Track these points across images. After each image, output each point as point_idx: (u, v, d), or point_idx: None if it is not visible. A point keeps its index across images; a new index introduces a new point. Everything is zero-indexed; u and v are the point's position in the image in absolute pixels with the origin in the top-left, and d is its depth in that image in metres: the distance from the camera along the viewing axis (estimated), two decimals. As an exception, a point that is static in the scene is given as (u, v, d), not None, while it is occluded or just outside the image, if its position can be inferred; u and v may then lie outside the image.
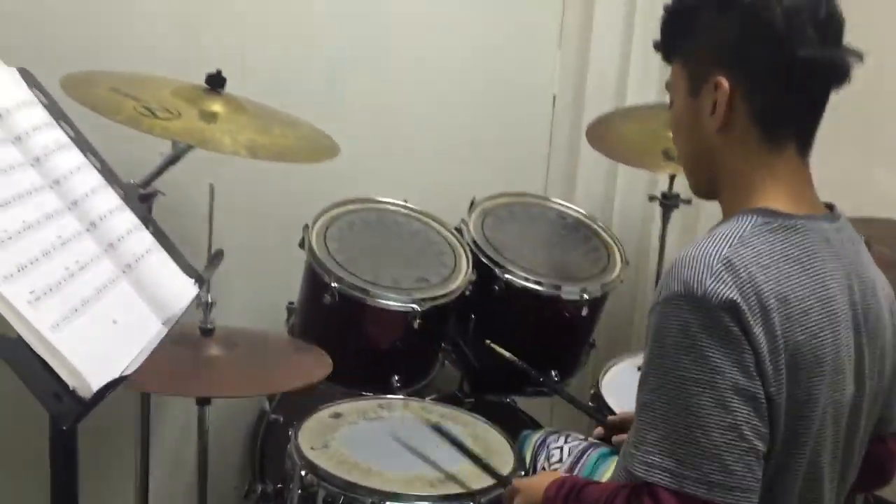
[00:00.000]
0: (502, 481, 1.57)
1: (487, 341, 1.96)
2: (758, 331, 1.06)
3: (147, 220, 1.15)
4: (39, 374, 0.81)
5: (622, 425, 1.66)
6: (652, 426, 1.09)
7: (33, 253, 0.89)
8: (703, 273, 1.07)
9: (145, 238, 1.10)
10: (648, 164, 2.32)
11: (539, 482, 1.33)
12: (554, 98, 2.77)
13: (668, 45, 1.26)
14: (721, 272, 1.07)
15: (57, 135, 1.07)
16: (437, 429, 1.69)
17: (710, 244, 1.11)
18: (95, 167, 1.11)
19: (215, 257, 1.39)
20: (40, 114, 1.07)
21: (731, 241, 1.10)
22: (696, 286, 1.06)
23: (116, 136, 1.59)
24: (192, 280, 1.17)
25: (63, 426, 0.82)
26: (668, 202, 2.38)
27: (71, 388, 0.82)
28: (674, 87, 1.27)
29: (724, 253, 1.09)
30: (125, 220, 1.09)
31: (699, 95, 1.20)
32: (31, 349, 0.81)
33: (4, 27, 1.94)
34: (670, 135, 2.17)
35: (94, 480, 2.08)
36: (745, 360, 1.06)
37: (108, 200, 1.08)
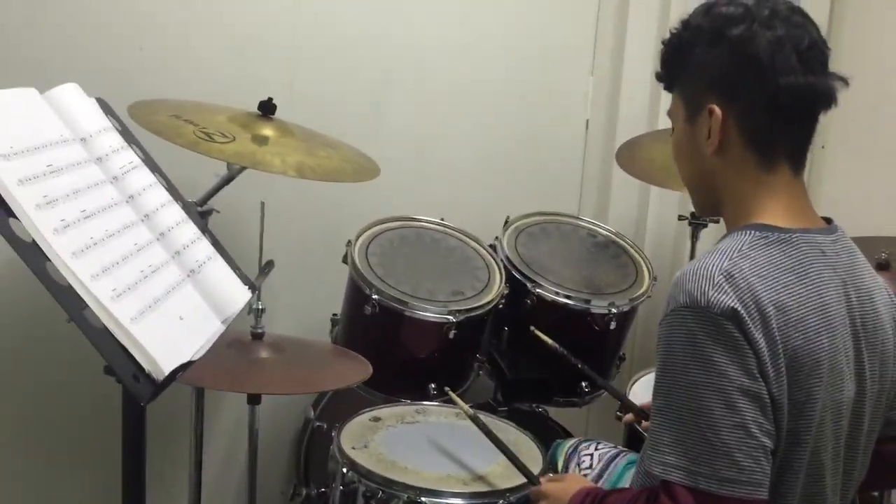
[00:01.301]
0: (530, 478, 1.65)
1: (532, 328, 2.04)
2: (758, 336, 1.15)
3: (205, 232, 1.30)
4: (121, 359, 0.94)
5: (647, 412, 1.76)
6: (666, 429, 1.18)
7: (114, 257, 1.03)
8: (705, 285, 1.16)
9: (206, 247, 1.24)
10: (677, 185, 2.40)
11: (565, 490, 1.42)
12: (587, 123, 2.88)
13: (668, 76, 1.36)
14: (722, 283, 1.16)
15: (131, 156, 1.21)
16: (474, 419, 1.76)
17: (710, 259, 1.20)
18: (163, 185, 1.25)
19: (266, 266, 1.52)
20: (116, 138, 1.22)
21: (730, 255, 1.20)
22: (699, 297, 1.15)
23: (175, 158, 1.73)
24: (246, 286, 1.31)
25: (141, 403, 0.96)
26: (697, 221, 2.47)
27: (147, 371, 0.95)
28: (673, 114, 1.37)
29: (724, 266, 1.18)
30: (189, 231, 1.23)
31: (696, 122, 1.30)
32: (113, 337, 0.95)
33: (78, 61, 2.11)
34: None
35: (153, 470, 2.22)
36: (749, 363, 1.14)
37: (174, 214, 1.22)
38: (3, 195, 0.93)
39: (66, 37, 2.11)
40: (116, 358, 0.94)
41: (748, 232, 1.24)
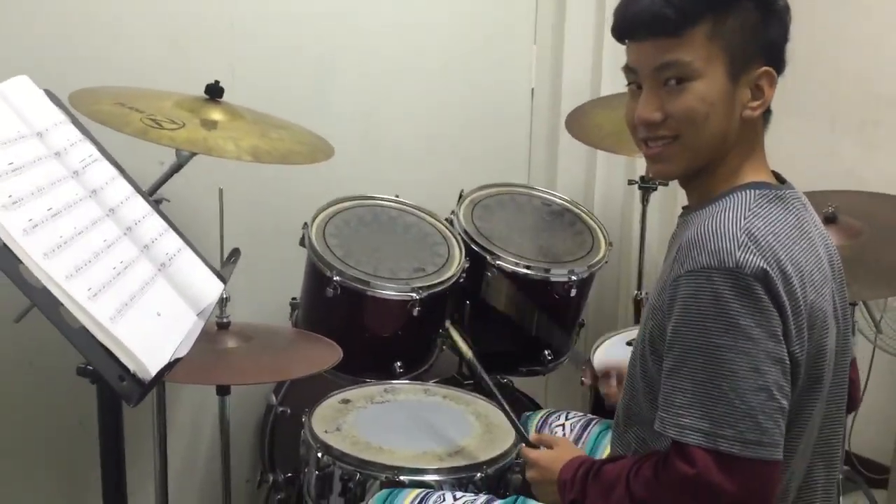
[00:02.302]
0: (523, 437, 1.61)
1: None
2: (784, 296, 1.15)
3: (170, 224, 1.26)
4: (104, 360, 0.91)
5: (607, 373, 1.81)
6: (682, 391, 1.15)
7: (86, 255, 0.99)
8: (730, 245, 1.14)
9: (174, 239, 1.21)
10: (627, 150, 2.43)
11: (555, 459, 1.40)
12: (532, 92, 2.89)
13: (691, 20, 1.20)
14: (747, 243, 1.14)
15: (89, 149, 1.17)
16: (470, 364, 1.74)
17: (724, 218, 1.18)
18: (124, 177, 1.21)
19: (232, 255, 1.49)
20: (72, 131, 1.17)
21: (743, 213, 1.19)
22: (726, 258, 1.13)
23: (116, 148, 1.68)
24: (216, 277, 1.27)
25: (130, 405, 0.93)
26: (647, 185, 2.50)
27: (132, 372, 0.92)
28: (698, 67, 1.20)
29: (742, 224, 1.16)
30: (155, 224, 1.19)
31: (738, 81, 1.22)
32: (94, 338, 0.92)
33: (4, 51, 2.02)
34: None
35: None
36: (773, 325, 1.14)
37: (138, 207, 1.18)
38: (-32, 198, 0.89)
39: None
40: (100, 359, 0.91)
41: (748, 191, 1.23)
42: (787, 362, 1.16)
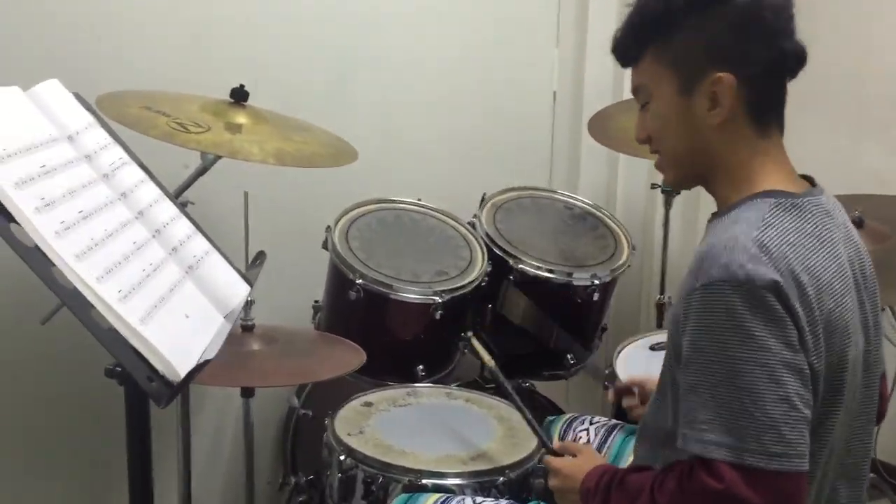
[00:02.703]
0: (546, 445, 1.62)
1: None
2: (797, 306, 1.14)
3: (198, 227, 1.27)
4: (134, 362, 0.92)
5: (630, 388, 1.77)
6: (703, 406, 1.14)
7: (116, 257, 1.00)
8: (741, 257, 1.13)
9: (202, 242, 1.21)
10: (649, 154, 2.41)
11: (578, 468, 1.39)
12: (554, 95, 2.88)
13: (637, 46, 1.29)
14: (758, 254, 1.14)
15: (119, 153, 1.18)
16: (493, 373, 1.74)
17: (737, 230, 1.17)
18: (152, 180, 1.22)
19: (258, 258, 1.49)
20: (102, 134, 1.18)
21: (756, 224, 1.18)
22: (737, 270, 1.12)
23: (142, 151, 1.69)
24: (243, 280, 1.28)
25: (160, 406, 0.93)
26: (670, 189, 2.49)
27: (161, 373, 0.93)
28: (650, 88, 1.29)
29: (754, 235, 1.16)
30: (183, 226, 1.20)
31: (692, 93, 1.26)
32: (124, 339, 0.92)
33: (33, 54, 2.04)
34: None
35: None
36: (790, 335, 1.13)
37: (167, 210, 1.19)
38: (2, 200, 0.90)
39: (18, 30, 2.04)
40: (130, 361, 0.92)
41: (763, 200, 1.22)
42: (807, 371, 1.15)
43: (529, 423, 1.66)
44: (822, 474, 1.26)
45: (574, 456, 1.49)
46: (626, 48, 1.31)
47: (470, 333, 1.95)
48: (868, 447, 1.33)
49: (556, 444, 1.60)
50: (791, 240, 1.18)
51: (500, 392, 2.10)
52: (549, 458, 1.51)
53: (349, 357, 1.76)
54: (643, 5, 1.29)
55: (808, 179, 1.32)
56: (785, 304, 1.13)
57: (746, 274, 1.12)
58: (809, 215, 1.23)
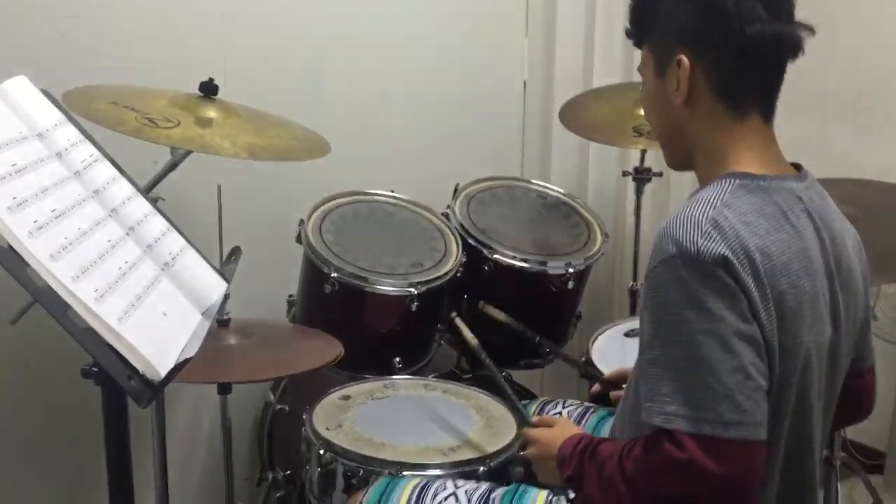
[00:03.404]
0: (524, 418, 1.65)
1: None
2: (749, 281, 1.17)
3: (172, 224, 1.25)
4: (112, 361, 0.91)
5: (618, 381, 1.78)
6: (663, 379, 1.18)
7: (91, 256, 0.99)
8: (693, 233, 1.17)
9: (177, 239, 1.20)
10: (620, 141, 2.44)
11: (555, 436, 1.40)
12: (524, 84, 2.89)
13: (637, 31, 1.37)
14: (710, 231, 1.17)
15: (90, 149, 1.16)
16: (477, 350, 1.78)
17: (695, 208, 1.21)
18: (125, 177, 1.20)
19: (233, 253, 1.48)
20: (72, 131, 1.16)
21: (714, 203, 1.21)
22: (689, 245, 1.16)
23: (108, 148, 1.67)
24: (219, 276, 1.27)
25: (141, 406, 0.92)
26: (641, 176, 2.51)
27: (141, 372, 0.92)
28: (644, 70, 1.38)
29: (709, 214, 1.19)
30: (158, 223, 1.18)
31: (665, 75, 1.31)
32: (102, 339, 0.91)
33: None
34: (639, 112, 2.32)
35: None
36: (742, 307, 1.16)
37: (141, 207, 1.18)
38: (-27, 200, 0.88)
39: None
40: (109, 361, 0.90)
41: (728, 180, 1.25)
42: (762, 342, 1.18)
43: (508, 396, 1.69)
44: (780, 456, 1.28)
45: (550, 427, 1.50)
46: (630, 34, 1.38)
47: (454, 313, 1.97)
48: (820, 439, 1.35)
49: (534, 419, 1.61)
50: (748, 220, 1.20)
51: (477, 381, 2.12)
52: (527, 429, 1.53)
53: (327, 349, 1.76)
54: None
55: (797, 167, 1.35)
56: (735, 278, 1.16)
57: (697, 249, 1.16)
58: (774, 198, 1.25)
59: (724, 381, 1.15)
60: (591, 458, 1.30)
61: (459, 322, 1.83)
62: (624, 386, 1.76)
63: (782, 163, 1.33)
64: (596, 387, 1.85)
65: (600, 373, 1.97)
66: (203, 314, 1.15)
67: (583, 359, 2.12)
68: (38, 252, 0.91)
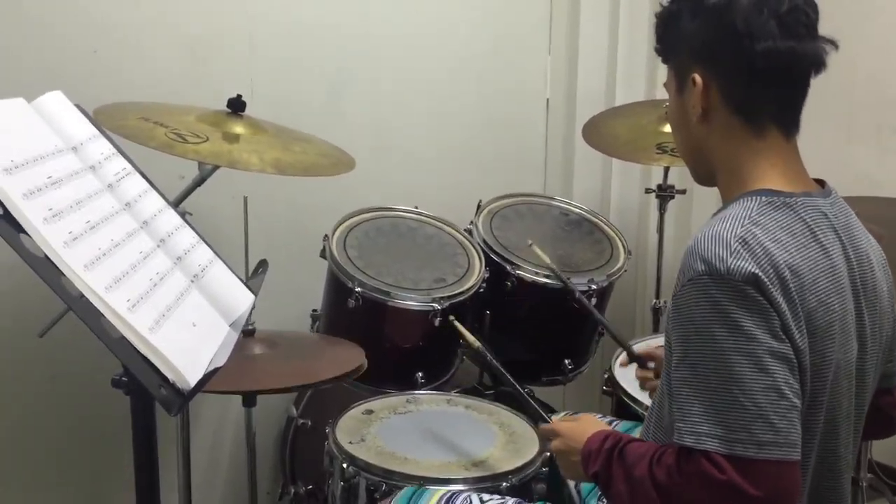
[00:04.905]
0: (543, 416, 1.64)
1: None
2: (780, 299, 1.16)
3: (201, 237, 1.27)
4: (144, 369, 0.92)
5: (647, 361, 1.78)
6: (695, 399, 1.16)
7: (123, 267, 1.00)
8: (722, 252, 1.16)
9: (206, 252, 1.22)
10: (643, 159, 2.44)
11: (581, 431, 1.38)
12: (547, 102, 2.90)
13: (663, 49, 1.38)
14: (739, 249, 1.16)
15: (122, 163, 1.18)
16: (481, 352, 1.76)
17: (722, 225, 1.20)
18: (156, 191, 1.22)
19: (259, 266, 1.50)
20: (106, 145, 1.19)
21: (742, 220, 1.20)
22: (718, 264, 1.15)
23: (138, 162, 1.69)
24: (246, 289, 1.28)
25: (171, 414, 0.94)
26: (664, 193, 2.51)
27: (171, 381, 0.93)
28: (668, 87, 1.39)
29: (738, 232, 1.18)
30: (187, 236, 1.20)
31: (683, 92, 1.33)
32: (134, 348, 0.93)
33: (30, 66, 2.05)
34: (662, 129, 2.33)
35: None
36: (774, 325, 1.15)
37: (171, 220, 1.20)
38: (11, 211, 0.90)
39: (16, 42, 2.05)
40: (140, 369, 0.92)
41: (753, 198, 1.24)
42: (794, 361, 1.16)
43: (522, 397, 1.69)
44: (809, 475, 1.27)
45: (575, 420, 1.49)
46: (658, 52, 1.39)
47: (451, 317, 1.96)
48: (849, 458, 1.34)
49: (553, 419, 1.59)
50: (776, 237, 1.20)
51: (499, 398, 2.12)
52: (552, 423, 1.52)
53: (351, 358, 1.76)
54: (658, 14, 1.36)
55: (820, 183, 1.34)
56: (767, 296, 1.15)
57: (727, 268, 1.15)
58: (801, 215, 1.25)
59: (758, 400, 1.13)
60: (619, 458, 1.28)
61: (458, 325, 1.81)
62: (650, 365, 1.76)
63: (806, 179, 1.32)
64: (624, 357, 1.86)
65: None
66: (231, 325, 1.17)
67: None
68: (74, 262, 0.93)
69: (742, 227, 1.19)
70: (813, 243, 1.23)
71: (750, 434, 1.13)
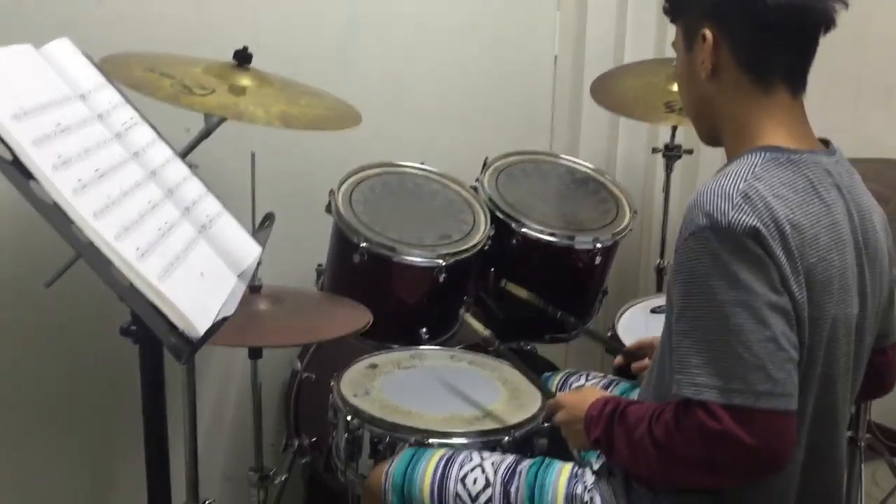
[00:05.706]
0: (545, 392, 1.69)
1: (503, 281, 2.06)
2: (779, 253, 1.17)
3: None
4: (154, 317, 0.93)
5: (639, 352, 1.79)
6: (694, 350, 1.19)
7: (132, 216, 1.01)
8: (724, 205, 1.18)
9: (214, 203, 1.22)
10: (651, 118, 2.43)
11: (582, 399, 1.42)
12: (555, 59, 2.88)
13: (671, 8, 1.38)
14: (740, 203, 1.18)
15: (130, 112, 1.18)
16: (489, 340, 1.81)
17: (725, 180, 1.21)
18: (163, 140, 1.22)
19: (266, 220, 1.50)
20: (114, 94, 1.18)
21: (744, 175, 1.22)
22: (719, 217, 1.17)
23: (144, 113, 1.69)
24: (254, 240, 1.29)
25: (180, 362, 0.95)
26: (671, 153, 2.50)
27: (180, 330, 0.94)
28: (677, 45, 1.39)
29: (740, 186, 1.20)
30: (195, 187, 1.20)
31: (693, 50, 1.33)
32: (143, 296, 0.93)
33: (33, 16, 2.03)
34: (671, 88, 2.31)
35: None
36: (773, 278, 1.17)
37: (179, 170, 1.20)
38: (21, 157, 0.90)
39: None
40: (150, 317, 0.93)
41: (758, 154, 1.25)
42: (792, 313, 1.18)
43: (530, 378, 1.72)
44: (805, 428, 1.28)
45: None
46: (666, 10, 1.39)
47: (462, 309, 1.99)
48: (846, 413, 1.36)
49: (558, 395, 1.63)
50: (778, 192, 1.21)
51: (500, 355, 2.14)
52: (551, 401, 1.56)
53: (357, 317, 1.77)
54: None
55: (825, 143, 1.34)
56: (766, 250, 1.17)
57: (728, 221, 1.17)
58: (804, 171, 1.25)
59: (756, 351, 1.15)
60: (620, 420, 1.30)
61: (470, 318, 1.87)
62: (645, 357, 1.78)
63: (811, 138, 1.33)
64: (619, 359, 1.86)
65: (624, 346, 1.97)
66: (239, 277, 1.17)
67: (609, 334, 2.13)
68: (83, 210, 0.93)
69: (745, 181, 1.21)
70: (815, 199, 1.24)
71: (747, 384, 1.15)
